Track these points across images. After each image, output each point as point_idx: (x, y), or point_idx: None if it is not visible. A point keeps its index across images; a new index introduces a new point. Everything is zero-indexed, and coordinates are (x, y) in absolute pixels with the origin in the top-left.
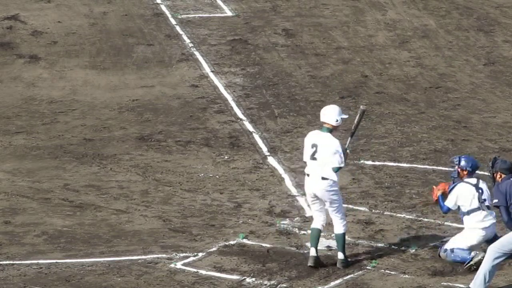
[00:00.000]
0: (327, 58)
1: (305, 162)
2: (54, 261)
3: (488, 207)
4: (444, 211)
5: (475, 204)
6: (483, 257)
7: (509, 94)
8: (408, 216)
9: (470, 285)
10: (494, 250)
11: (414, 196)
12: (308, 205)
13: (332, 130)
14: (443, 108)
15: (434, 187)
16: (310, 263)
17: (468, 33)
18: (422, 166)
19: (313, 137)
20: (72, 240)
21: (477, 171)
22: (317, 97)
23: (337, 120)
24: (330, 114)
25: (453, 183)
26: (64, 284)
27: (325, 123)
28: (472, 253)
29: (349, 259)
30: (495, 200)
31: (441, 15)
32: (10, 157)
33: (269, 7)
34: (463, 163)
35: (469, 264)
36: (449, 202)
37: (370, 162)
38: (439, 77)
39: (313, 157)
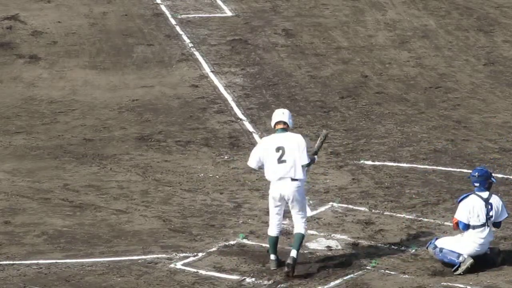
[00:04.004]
0: (327, 58)
1: (255, 169)
2: (54, 261)
3: (492, 224)
4: (464, 229)
5: (482, 219)
6: (471, 264)
7: (509, 94)
8: (408, 216)
9: None
10: None
11: (414, 196)
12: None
13: (287, 130)
14: (443, 108)
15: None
16: (273, 266)
17: (468, 33)
18: (422, 166)
19: (275, 141)
20: (72, 240)
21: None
22: (317, 97)
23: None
24: (288, 116)
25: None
26: (64, 284)
27: (280, 124)
28: (461, 258)
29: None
30: None
31: (441, 15)
32: (10, 157)
33: (269, 7)
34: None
35: (457, 272)
36: (463, 218)
37: (370, 162)
38: (439, 77)
39: (281, 161)
